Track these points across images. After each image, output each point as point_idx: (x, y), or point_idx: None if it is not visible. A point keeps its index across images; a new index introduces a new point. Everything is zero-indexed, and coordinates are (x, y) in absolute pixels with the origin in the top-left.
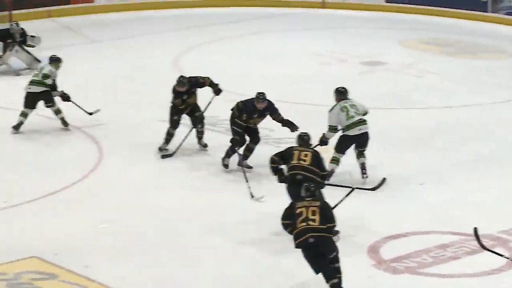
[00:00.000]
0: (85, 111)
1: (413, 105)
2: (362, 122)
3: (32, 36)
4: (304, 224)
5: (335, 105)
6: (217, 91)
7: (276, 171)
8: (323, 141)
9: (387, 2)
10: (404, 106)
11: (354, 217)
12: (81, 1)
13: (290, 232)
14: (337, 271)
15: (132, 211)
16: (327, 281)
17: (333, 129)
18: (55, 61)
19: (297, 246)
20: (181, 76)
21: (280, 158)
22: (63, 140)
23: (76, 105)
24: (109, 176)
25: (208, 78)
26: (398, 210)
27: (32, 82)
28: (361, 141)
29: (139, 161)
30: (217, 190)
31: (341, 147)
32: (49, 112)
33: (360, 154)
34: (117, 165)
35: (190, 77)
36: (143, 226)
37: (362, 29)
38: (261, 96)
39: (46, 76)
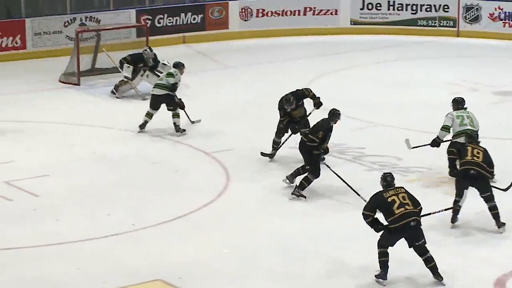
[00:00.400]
0: (189, 119)
1: None
2: (473, 132)
3: (163, 64)
4: (402, 209)
5: (452, 112)
6: (317, 104)
7: (372, 224)
8: (436, 142)
9: None
10: None
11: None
12: (216, 28)
13: (370, 223)
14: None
15: (257, 236)
16: (422, 256)
17: (446, 128)
18: (178, 66)
19: (396, 229)
20: (287, 95)
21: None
22: (192, 164)
23: (186, 114)
24: (236, 201)
25: (310, 90)
26: None
27: (157, 85)
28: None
29: (266, 187)
30: (335, 216)
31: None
32: (178, 138)
33: None
34: (244, 190)
35: (292, 92)
36: (267, 252)
37: (496, 58)
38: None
39: (170, 75)
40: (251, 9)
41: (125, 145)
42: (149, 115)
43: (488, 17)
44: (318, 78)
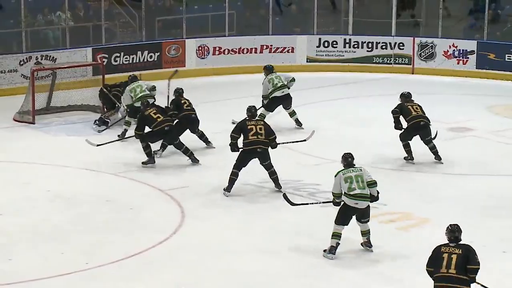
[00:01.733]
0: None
1: (500, 172)
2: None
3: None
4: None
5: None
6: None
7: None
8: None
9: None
10: (491, 173)
11: None
12: (173, 65)
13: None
14: None
15: (212, 275)
16: None
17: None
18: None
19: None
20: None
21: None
22: (147, 202)
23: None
24: (191, 239)
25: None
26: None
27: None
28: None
29: (222, 224)
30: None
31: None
32: (133, 174)
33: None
34: (200, 228)
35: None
36: None
37: (451, 96)
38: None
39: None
40: (208, 47)
41: (80, 183)
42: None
43: (443, 55)
44: (274, 115)
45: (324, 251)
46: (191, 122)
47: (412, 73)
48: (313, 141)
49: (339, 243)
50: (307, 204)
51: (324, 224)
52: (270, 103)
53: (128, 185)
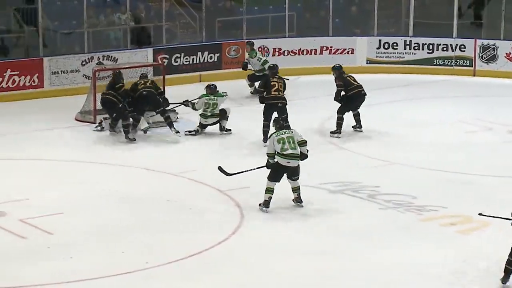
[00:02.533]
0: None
1: None
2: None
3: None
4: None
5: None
6: None
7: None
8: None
9: None
10: None
11: None
12: (232, 66)
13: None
14: None
15: (270, 276)
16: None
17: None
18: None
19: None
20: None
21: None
22: (206, 202)
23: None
24: (250, 240)
25: None
26: None
27: None
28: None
29: (280, 226)
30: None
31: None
32: (193, 175)
33: None
34: (259, 229)
35: None
36: None
37: (511, 98)
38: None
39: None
40: (268, 48)
41: (140, 183)
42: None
43: (505, 57)
44: (333, 117)
45: (259, 205)
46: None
47: (474, 75)
48: (372, 143)
49: (271, 197)
50: (242, 172)
51: (385, 229)
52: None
53: (188, 185)
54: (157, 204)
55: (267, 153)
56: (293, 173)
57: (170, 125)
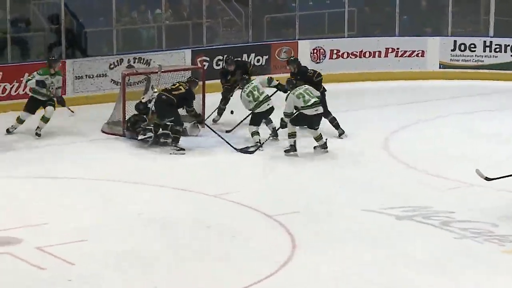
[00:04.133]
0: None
1: None
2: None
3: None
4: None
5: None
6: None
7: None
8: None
9: None
10: None
11: None
12: (283, 71)
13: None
14: None
15: None
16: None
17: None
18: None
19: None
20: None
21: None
22: (252, 229)
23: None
24: (302, 273)
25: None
26: None
27: None
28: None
29: (337, 257)
30: None
31: None
32: (236, 197)
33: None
34: (312, 261)
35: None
36: None
37: None
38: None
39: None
40: (324, 50)
41: (176, 205)
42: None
43: None
44: (399, 130)
45: (285, 151)
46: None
47: None
48: (446, 161)
49: (296, 141)
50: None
51: (460, 261)
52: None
53: (230, 208)
54: (195, 230)
55: (284, 112)
56: (317, 122)
57: (175, 140)
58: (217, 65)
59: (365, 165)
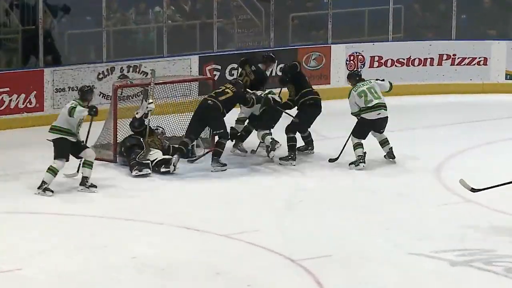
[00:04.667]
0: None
1: None
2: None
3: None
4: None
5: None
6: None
7: None
8: None
9: None
10: None
11: None
12: (312, 82)
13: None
14: None
15: None
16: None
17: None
18: None
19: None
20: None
21: None
22: (272, 276)
23: None
24: None
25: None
26: None
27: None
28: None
29: None
30: None
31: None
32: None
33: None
34: None
35: None
36: None
37: None
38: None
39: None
40: (363, 56)
41: (178, 247)
42: None
43: None
44: (455, 155)
45: (350, 164)
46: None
47: None
48: (510, 194)
49: (365, 152)
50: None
51: None
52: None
53: (245, 251)
54: (201, 278)
55: (352, 113)
56: (381, 126)
57: (217, 154)
58: (231, 74)
59: (411, 198)
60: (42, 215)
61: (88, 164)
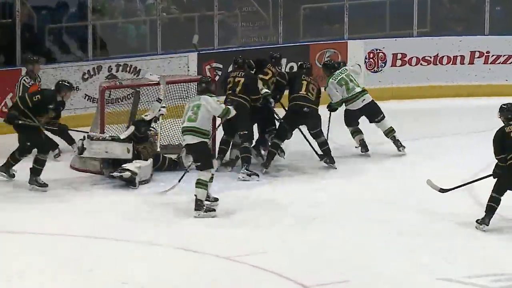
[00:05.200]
0: None
1: None
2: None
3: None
4: None
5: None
6: None
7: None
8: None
9: None
10: None
11: None
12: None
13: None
14: None
15: None
16: None
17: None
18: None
19: None
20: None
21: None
22: None
23: None
24: None
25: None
26: None
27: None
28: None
29: None
30: None
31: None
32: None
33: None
34: None
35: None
36: None
37: None
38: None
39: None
40: (384, 54)
41: (175, 271)
42: None
43: None
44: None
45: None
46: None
47: None
48: None
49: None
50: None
51: None
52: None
53: (251, 276)
54: None
55: (332, 104)
56: (372, 111)
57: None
58: None
59: (439, 216)
60: (20, 235)
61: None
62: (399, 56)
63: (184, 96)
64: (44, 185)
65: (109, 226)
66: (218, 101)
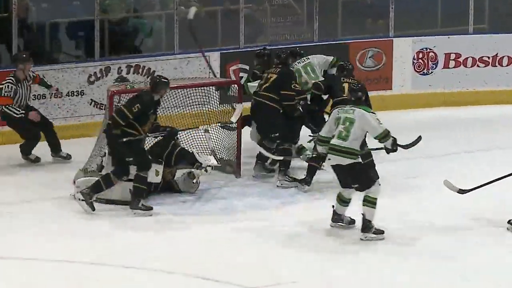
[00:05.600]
0: None
1: None
2: None
3: None
4: None
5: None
6: None
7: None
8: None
9: None
10: None
11: None
12: (369, 87)
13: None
14: None
15: None
16: None
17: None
18: None
19: None
20: None
21: None
22: None
23: None
24: None
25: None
26: None
27: None
28: None
29: None
30: None
31: None
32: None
33: None
34: None
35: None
36: None
37: None
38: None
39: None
40: (435, 53)
41: None
42: None
43: None
44: None
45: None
46: None
47: None
48: None
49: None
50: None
51: None
52: None
53: None
54: None
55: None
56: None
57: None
58: None
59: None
60: (15, 261)
61: None
62: (453, 56)
63: (205, 102)
64: (150, 208)
65: (118, 252)
66: (377, 119)
